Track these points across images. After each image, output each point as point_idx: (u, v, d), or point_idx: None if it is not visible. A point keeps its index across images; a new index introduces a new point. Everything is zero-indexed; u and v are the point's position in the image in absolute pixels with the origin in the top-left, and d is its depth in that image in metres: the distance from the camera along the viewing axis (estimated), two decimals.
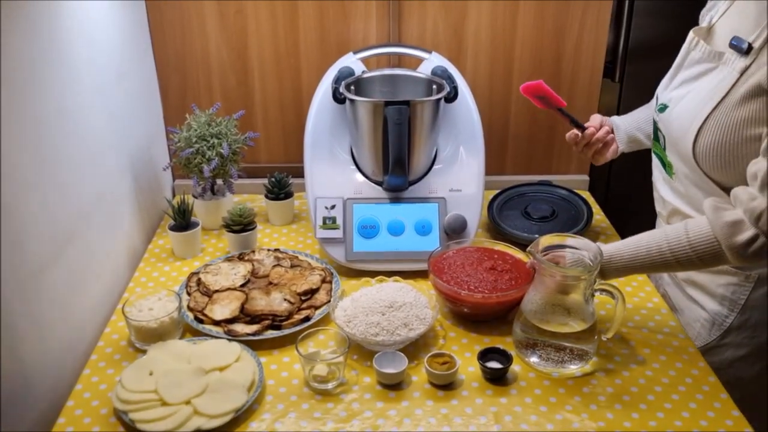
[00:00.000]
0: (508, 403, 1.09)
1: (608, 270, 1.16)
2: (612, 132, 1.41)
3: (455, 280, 1.26)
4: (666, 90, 1.24)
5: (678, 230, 1.10)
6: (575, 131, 1.40)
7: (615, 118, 1.45)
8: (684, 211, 1.24)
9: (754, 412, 1.11)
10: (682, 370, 1.16)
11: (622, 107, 1.92)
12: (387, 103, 1.32)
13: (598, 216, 1.68)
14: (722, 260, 1.08)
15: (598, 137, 1.39)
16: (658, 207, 1.36)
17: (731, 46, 1.09)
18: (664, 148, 1.24)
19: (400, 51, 1.58)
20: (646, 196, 1.47)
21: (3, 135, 0.97)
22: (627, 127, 1.42)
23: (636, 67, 1.93)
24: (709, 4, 1.25)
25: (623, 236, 1.58)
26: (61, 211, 1.16)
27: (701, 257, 1.08)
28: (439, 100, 1.39)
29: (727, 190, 1.11)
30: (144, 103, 1.61)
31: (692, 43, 1.19)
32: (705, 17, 1.23)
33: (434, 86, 1.46)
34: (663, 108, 1.22)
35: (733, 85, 1.07)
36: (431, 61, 1.50)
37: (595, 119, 1.42)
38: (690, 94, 1.16)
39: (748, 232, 1.03)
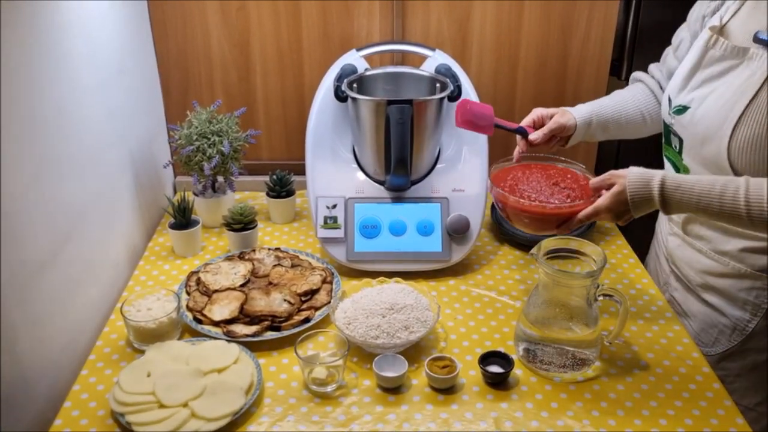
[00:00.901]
0: (509, 408, 1.08)
1: (670, 200, 1.07)
2: (557, 125, 1.32)
3: (518, 191, 1.24)
4: (683, 92, 1.20)
5: (760, 182, 1.04)
6: (522, 142, 1.32)
7: (571, 109, 1.37)
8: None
9: None
10: (686, 376, 1.14)
11: None
12: (389, 102, 1.31)
13: None
14: None
15: (540, 143, 1.32)
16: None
17: (757, 40, 1.08)
18: (679, 152, 1.21)
19: (403, 48, 1.57)
20: None
21: (2, 132, 0.96)
22: (583, 116, 1.34)
23: (643, 65, 1.90)
24: (704, 4, 1.23)
25: (627, 238, 1.58)
26: (60, 210, 1.15)
27: (750, 209, 1.02)
28: (442, 98, 1.37)
29: None
30: (145, 100, 1.60)
31: (710, 42, 1.16)
32: (706, 17, 1.21)
33: (438, 84, 1.44)
34: (682, 110, 1.19)
35: (767, 79, 1.05)
36: (435, 59, 1.49)
37: (535, 113, 1.34)
38: (715, 92, 1.13)
39: None
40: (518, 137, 1.32)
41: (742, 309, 1.22)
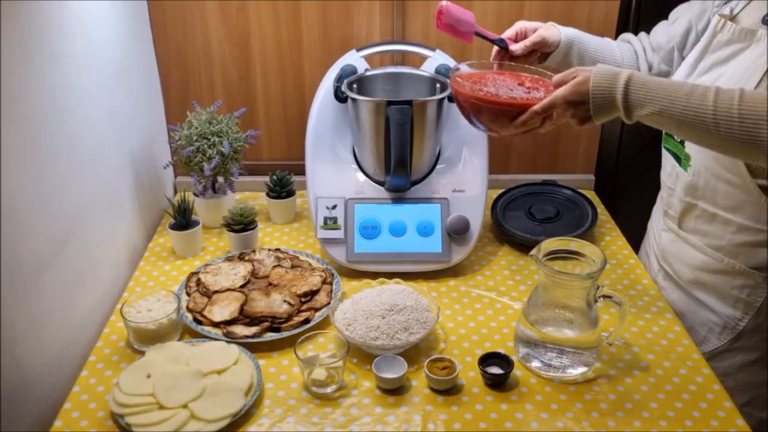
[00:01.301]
0: (509, 410, 1.08)
1: (633, 99, 0.99)
2: (539, 38, 1.29)
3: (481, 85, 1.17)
4: (691, 77, 1.20)
5: (732, 90, 0.96)
6: (499, 53, 1.30)
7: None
8: (702, 206, 1.21)
9: (763, 415, 1.09)
10: (686, 377, 1.14)
11: None
12: (389, 103, 1.31)
13: (603, 216, 1.66)
14: (759, 142, 0.93)
15: (520, 55, 1.29)
16: (665, 207, 1.34)
17: (766, 22, 1.07)
18: (682, 141, 1.21)
19: (403, 49, 1.56)
20: (652, 196, 1.46)
21: (2, 132, 0.96)
22: (569, 37, 1.31)
23: None
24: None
25: (628, 238, 1.57)
26: (60, 210, 1.15)
27: (743, 120, 0.93)
28: (442, 99, 1.37)
29: (753, 174, 1.09)
30: (145, 100, 1.60)
31: (718, 26, 1.15)
32: (716, 6, 1.21)
33: (438, 85, 1.44)
34: None
35: None
36: (435, 59, 1.48)
37: (518, 25, 1.31)
38: (723, 76, 1.13)
39: None
40: (495, 47, 1.29)
41: (734, 307, 1.22)
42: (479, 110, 1.14)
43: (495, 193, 1.65)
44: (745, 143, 0.94)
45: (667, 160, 1.29)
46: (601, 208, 1.68)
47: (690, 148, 1.20)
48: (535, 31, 1.30)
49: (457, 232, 1.38)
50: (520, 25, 1.31)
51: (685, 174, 1.23)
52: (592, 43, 1.33)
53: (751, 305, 1.20)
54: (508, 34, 1.30)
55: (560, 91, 1.05)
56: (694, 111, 0.95)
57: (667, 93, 0.98)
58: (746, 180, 1.12)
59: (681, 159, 1.23)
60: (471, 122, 1.19)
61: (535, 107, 1.08)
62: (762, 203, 1.12)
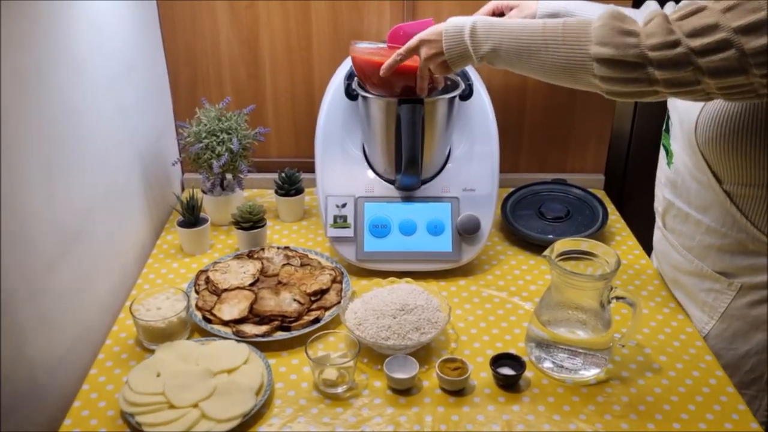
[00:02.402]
0: (521, 411, 1.07)
1: (479, 35, 1.06)
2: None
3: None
4: None
5: (560, 18, 1.03)
6: None
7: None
8: (678, 205, 1.22)
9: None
10: (699, 379, 1.13)
11: None
12: (401, 101, 1.30)
13: (613, 216, 1.65)
14: (582, 65, 0.96)
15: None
16: (656, 203, 1.35)
17: None
18: (669, 134, 1.22)
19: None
20: None
21: (10, 130, 0.95)
22: (547, 11, 1.29)
23: None
24: None
25: (638, 237, 1.56)
26: (68, 207, 1.14)
27: (567, 42, 0.97)
28: (453, 97, 1.36)
29: (718, 180, 1.09)
30: (153, 97, 1.59)
31: None
32: None
33: (448, 83, 1.43)
34: None
35: None
36: None
37: (492, 4, 1.31)
38: None
39: (631, 50, 0.92)
40: None
41: (701, 310, 1.23)
42: (363, 71, 1.28)
43: (504, 192, 1.63)
44: (567, 64, 0.98)
45: (661, 157, 1.30)
46: (611, 208, 1.67)
47: (674, 144, 1.19)
48: (511, 9, 1.29)
49: (468, 231, 1.37)
50: (495, 4, 1.30)
51: (669, 171, 1.23)
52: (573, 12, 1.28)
53: (716, 310, 1.19)
54: (482, 12, 1.29)
55: (420, 33, 1.14)
56: (527, 37, 1.02)
57: (509, 28, 1.05)
58: (711, 184, 1.11)
59: (667, 154, 1.23)
60: (369, 89, 1.32)
61: (401, 50, 1.17)
62: (727, 207, 1.11)
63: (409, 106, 1.28)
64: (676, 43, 0.89)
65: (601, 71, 0.95)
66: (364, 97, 1.35)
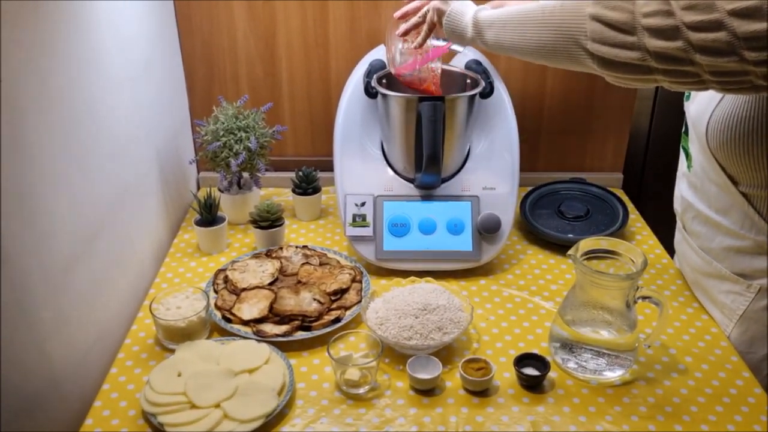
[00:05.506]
0: (546, 412, 1.05)
1: (480, 23, 1.13)
2: None
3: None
4: None
5: None
6: None
7: None
8: (698, 207, 1.21)
9: None
10: (726, 380, 1.12)
11: (660, 90, 1.84)
12: (421, 99, 1.28)
13: (633, 215, 1.63)
14: (577, 25, 0.96)
15: None
16: (676, 204, 1.34)
17: None
18: (686, 132, 1.22)
19: (432, 44, 1.54)
20: None
21: (31, 129, 0.95)
22: None
23: None
24: None
25: (658, 236, 1.55)
26: (88, 206, 1.13)
27: (563, 8, 0.97)
28: (473, 95, 1.35)
29: (733, 182, 1.09)
30: (170, 95, 1.58)
31: None
32: None
33: (468, 80, 1.42)
34: (689, 95, 1.19)
35: None
36: (465, 55, 1.46)
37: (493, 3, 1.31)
38: None
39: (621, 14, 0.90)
40: None
41: (721, 312, 1.22)
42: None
43: (522, 191, 1.62)
44: (561, 23, 0.98)
45: (681, 160, 1.29)
46: (630, 207, 1.65)
47: (692, 146, 1.19)
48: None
49: (488, 230, 1.36)
50: (496, 3, 1.29)
51: (689, 173, 1.23)
52: None
53: (735, 312, 1.18)
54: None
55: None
56: (524, 11, 1.04)
57: (510, 12, 1.08)
58: (729, 184, 1.10)
59: (687, 157, 1.23)
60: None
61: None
62: (746, 210, 1.10)
63: (429, 104, 1.27)
64: (669, 13, 0.87)
65: (594, 33, 0.93)
66: (384, 95, 1.34)
